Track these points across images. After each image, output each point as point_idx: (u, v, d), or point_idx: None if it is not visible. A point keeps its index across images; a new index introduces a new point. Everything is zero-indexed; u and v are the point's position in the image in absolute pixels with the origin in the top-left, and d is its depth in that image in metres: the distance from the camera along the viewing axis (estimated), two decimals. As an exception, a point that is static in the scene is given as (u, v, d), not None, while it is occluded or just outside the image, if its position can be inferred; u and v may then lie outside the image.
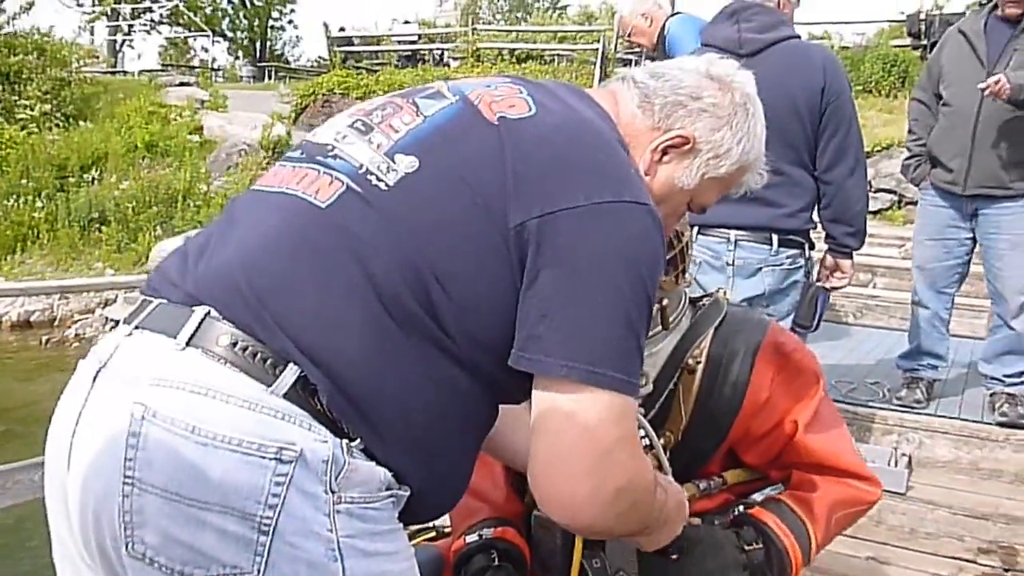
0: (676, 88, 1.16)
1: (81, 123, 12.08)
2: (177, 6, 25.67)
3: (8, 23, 13.74)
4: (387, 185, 1.00)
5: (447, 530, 1.57)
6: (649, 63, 1.27)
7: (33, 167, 10.64)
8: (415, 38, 17.88)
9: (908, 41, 12.79)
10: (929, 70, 3.66)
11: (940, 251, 3.60)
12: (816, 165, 2.66)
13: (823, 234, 2.77)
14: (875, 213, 7.57)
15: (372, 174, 1.01)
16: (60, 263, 9.63)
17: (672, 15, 3.82)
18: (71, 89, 12.81)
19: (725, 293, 1.53)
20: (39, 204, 10.17)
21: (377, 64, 17.10)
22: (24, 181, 10.46)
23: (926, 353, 3.70)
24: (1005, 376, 3.51)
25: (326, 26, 17.45)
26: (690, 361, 1.41)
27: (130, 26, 25.16)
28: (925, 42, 11.83)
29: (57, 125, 11.93)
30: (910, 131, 3.74)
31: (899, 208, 7.90)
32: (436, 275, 0.97)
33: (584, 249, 0.97)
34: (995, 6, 3.41)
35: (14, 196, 10.23)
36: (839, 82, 2.64)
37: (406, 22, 19.49)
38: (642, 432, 1.30)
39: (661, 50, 3.72)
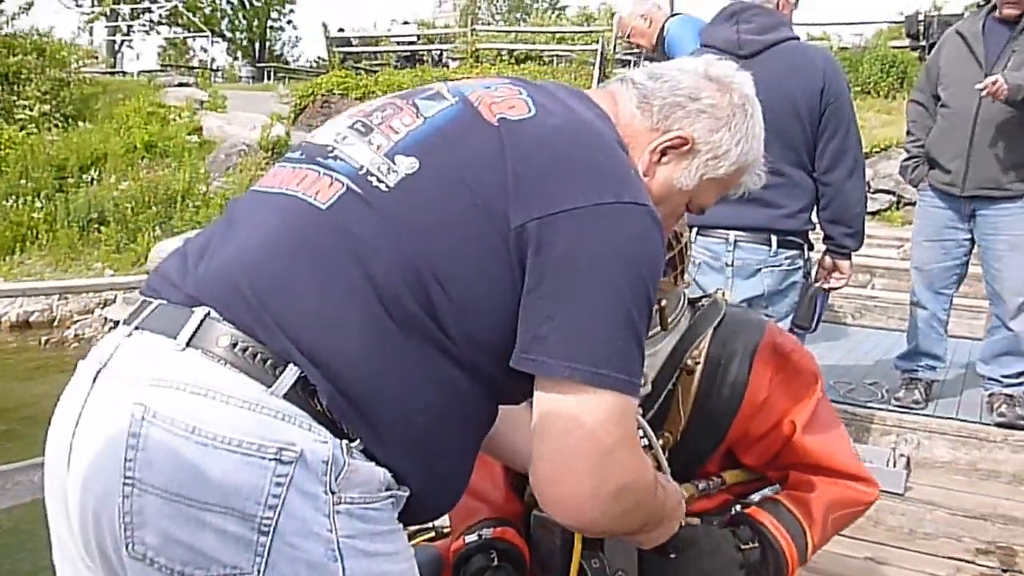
0: (675, 89, 1.16)
1: (80, 123, 12.06)
2: (176, 7, 25.67)
3: (7, 23, 13.73)
4: (387, 186, 1.00)
5: (446, 530, 1.57)
6: (648, 64, 1.27)
7: (32, 167, 10.63)
8: (414, 39, 17.90)
9: (907, 42, 12.79)
10: (927, 72, 3.67)
11: (938, 252, 3.60)
12: (815, 166, 2.66)
13: (821, 235, 2.78)
14: (873, 214, 7.58)
15: (372, 175, 1.01)
16: (59, 263, 9.62)
17: (671, 16, 3.83)
18: (70, 89, 12.80)
19: (724, 294, 1.53)
20: (38, 204, 10.16)
21: (376, 65, 17.10)
22: (23, 181, 10.45)
23: (924, 354, 3.70)
24: (1003, 377, 3.51)
25: (325, 27, 17.46)
26: (689, 362, 1.41)
27: (129, 26, 25.13)
28: (924, 43, 11.84)
29: (56, 125, 11.91)
30: (908, 132, 3.74)
31: (898, 209, 7.91)
32: (436, 276, 0.97)
33: (585, 250, 0.97)
34: (993, 7, 3.42)
35: (13, 197, 10.22)
36: (838, 83, 2.65)
37: (405, 23, 19.52)
38: (641, 432, 1.30)
39: (660, 51, 3.73)
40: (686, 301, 1.50)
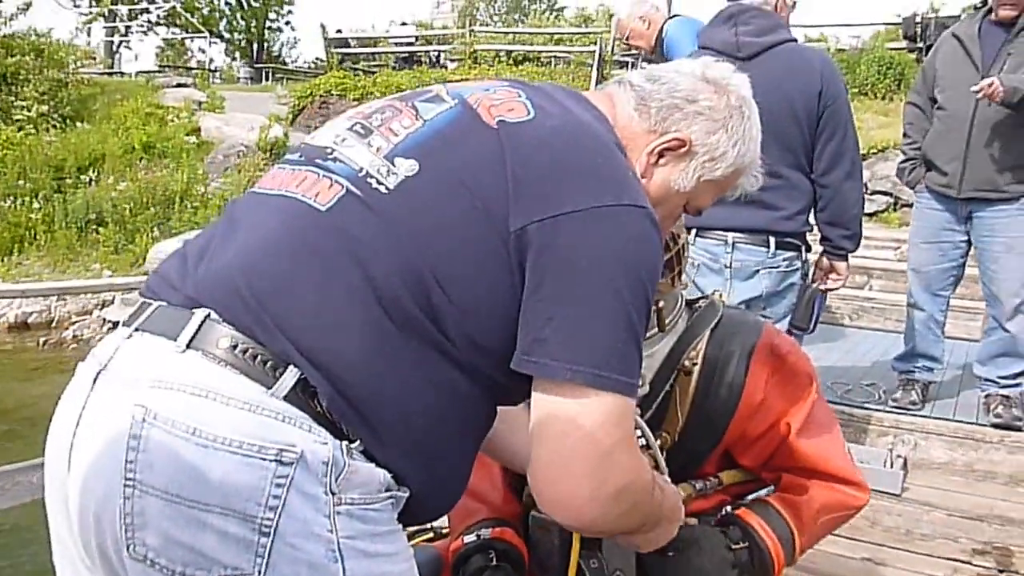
0: (672, 91, 1.17)
1: (78, 124, 12.05)
2: (174, 7, 25.67)
3: (5, 24, 13.71)
4: (387, 188, 1.01)
5: (445, 531, 1.57)
6: (646, 66, 1.28)
7: (30, 168, 10.61)
8: (412, 40, 17.89)
9: (904, 44, 12.80)
10: (924, 74, 3.68)
11: (935, 254, 3.61)
12: (813, 168, 2.67)
13: (819, 236, 2.79)
14: (871, 215, 7.60)
15: (372, 177, 1.02)
16: (57, 264, 9.60)
17: (670, 18, 3.83)
18: (68, 90, 12.79)
19: (721, 295, 1.54)
20: (36, 205, 10.14)
21: (374, 66, 17.10)
22: (21, 182, 10.43)
23: (921, 355, 3.71)
24: (1000, 378, 3.52)
25: (323, 28, 17.47)
26: (686, 363, 1.42)
27: (127, 27, 25.14)
28: (921, 45, 11.84)
29: (54, 126, 11.90)
30: (905, 135, 3.75)
31: (895, 210, 7.92)
32: (436, 278, 0.97)
33: (585, 252, 0.97)
34: (989, 10, 3.43)
35: (11, 197, 10.20)
36: (836, 85, 2.65)
37: (403, 24, 19.53)
38: (639, 432, 1.30)
39: (659, 53, 3.73)
40: (684, 302, 1.50)
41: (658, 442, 1.37)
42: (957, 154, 3.43)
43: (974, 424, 3.50)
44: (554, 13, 27.86)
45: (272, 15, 32.26)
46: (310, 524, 0.92)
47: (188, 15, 26.94)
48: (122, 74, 18.43)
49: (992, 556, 2.81)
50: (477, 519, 1.45)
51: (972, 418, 3.55)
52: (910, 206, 4.77)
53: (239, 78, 23.50)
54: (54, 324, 8.69)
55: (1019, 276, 3.41)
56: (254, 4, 31.10)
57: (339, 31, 18.35)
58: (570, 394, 0.96)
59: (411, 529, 1.30)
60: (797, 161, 2.64)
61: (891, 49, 12.45)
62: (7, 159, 10.69)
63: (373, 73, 15.30)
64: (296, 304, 0.97)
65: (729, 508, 1.48)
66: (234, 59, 31.42)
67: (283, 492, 0.90)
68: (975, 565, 2.77)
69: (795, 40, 2.76)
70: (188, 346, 0.95)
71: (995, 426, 3.44)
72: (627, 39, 3.99)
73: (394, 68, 16.03)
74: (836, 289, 2.88)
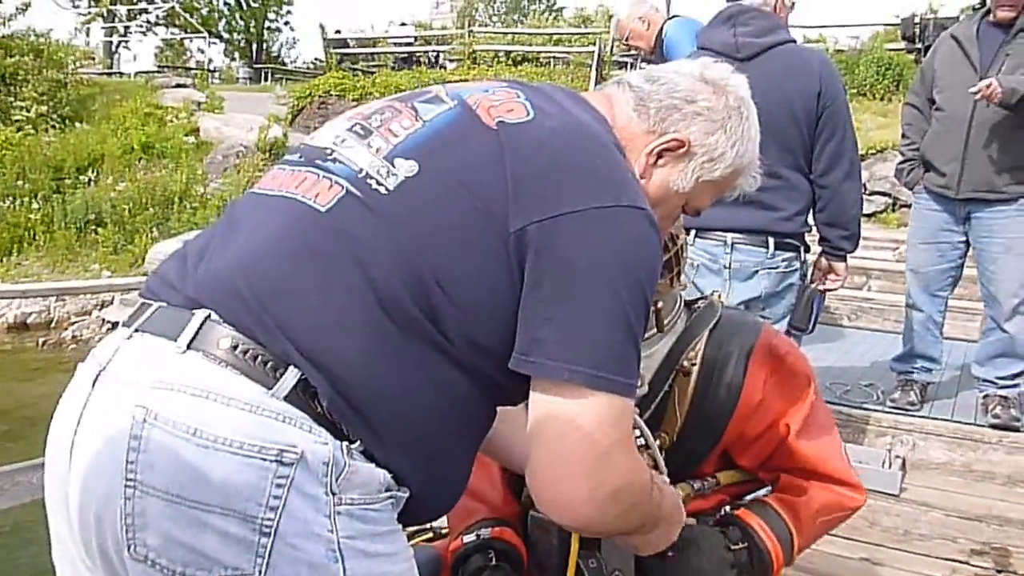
0: (671, 92, 1.17)
1: (77, 125, 12.05)
2: (173, 7, 25.66)
3: (4, 24, 13.71)
4: (387, 189, 1.01)
5: (444, 531, 1.58)
6: (645, 66, 1.28)
7: (29, 169, 10.61)
8: (411, 40, 17.89)
9: (902, 45, 12.80)
10: (922, 75, 3.68)
11: (934, 255, 3.62)
12: (811, 169, 2.68)
13: (817, 237, 2.79)
14: (869, 216, 7.59)
15: (372, 178, 1.02)
16: (57, 265, 9.60)
17: (669, 18, 3.84)
18: (67, 91, 12.79)
19: (720, 296, 1.54)
20: (35, 206, 10.14)
21: (373, 66, 17.10)
22: (20, 183, 10.43)
23: (920, 356, 3.72)
24: (998, 378, 3.52)
25: (322, 28, 17.46)
26: (685, 363, 1.42)
27: (126, 28, 25.14)
28: (919, 46, 11.84)
29: (53, 127, 11.90)
30: (904, 135, 3.75)
31: (893, 211, 7.93)
32: (437, 279, 0.97)
33: (584, 253, 0.97)
34: (987, 11, 3.43)
35: (10, 198, 10.20)
36: (835, 86, 2.65)
37: (402, 24, 19.52)
38: (638, 432, 1.31)
39: (658, 53, 3.74)
40: (682, 303, 1.50)
41: (657, 442, 1.37)
42: (955, 155, 3.43)
43: (972, 425, 3.50)
44: (553, 14, 27.86)
45: (271, 15, 32.27)
46: (310, 524, 0.92)
47: (187, 15, 26.92)
48: (121, 74, 18.45)
49: (990, 556, 2.82)
50: (476, 519, 1.45)
51: (970, 419, 3.55)
52: (908, 207, 4.77)
53: (238, 78, 23.51)
54: (53, 324, 8.69)
55: (1017, 277, 3.42)
56: (253, 4, 31.10)
57: (338, 31, 18.35)
58: (568, 394, 0.96)
59: (411, 529, 1.30)
60: (796, 162, 2.64)
61: (890, 50, 12.45)
62: (6, 159, 10.69)
63: (372, 73, 15.30)
64: (297, 305, 0.97)
65: (728, 508, 1.48)
66: (233, 59, 31.44)
67: (284, 492, 0.90)
68: (973, 565, 2.77)
69: (794, 41, 2.77)
70: (189, 347, 0.95)
71: (993, 427, 3.44)
72: (626, 40, 3.99)
73: (393, 68, 16.03)
74: (835, 289, 2.88)
